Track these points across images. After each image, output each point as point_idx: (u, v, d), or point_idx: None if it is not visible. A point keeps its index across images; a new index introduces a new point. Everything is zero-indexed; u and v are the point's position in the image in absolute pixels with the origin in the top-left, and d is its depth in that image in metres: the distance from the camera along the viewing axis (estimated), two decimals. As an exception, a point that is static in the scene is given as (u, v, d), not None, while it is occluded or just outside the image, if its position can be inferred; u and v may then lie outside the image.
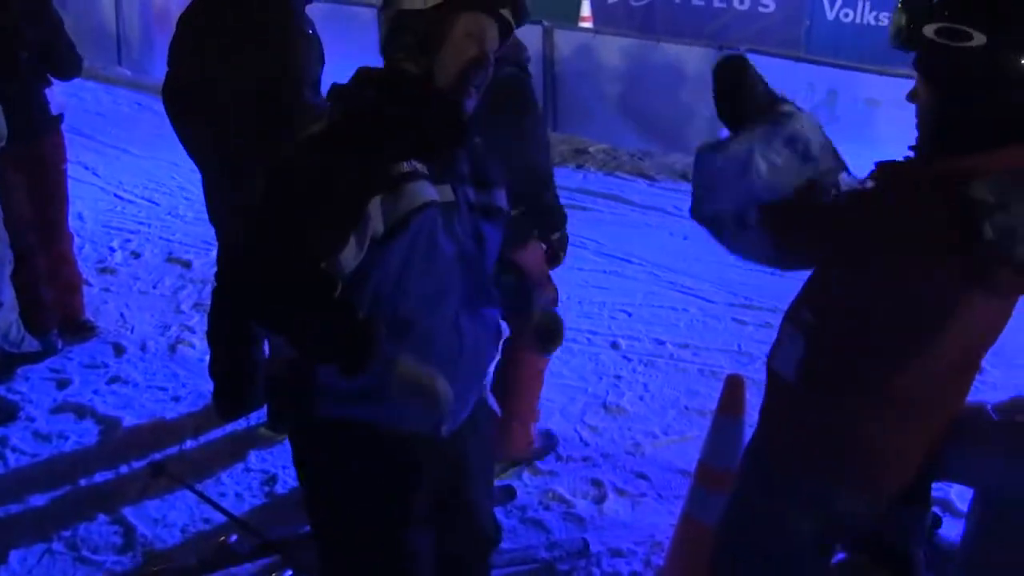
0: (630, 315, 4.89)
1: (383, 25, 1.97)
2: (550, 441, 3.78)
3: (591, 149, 7.22)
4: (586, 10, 9.86)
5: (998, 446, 2.12)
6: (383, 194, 1.86)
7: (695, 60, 7.34)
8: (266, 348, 3.80)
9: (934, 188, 1.74)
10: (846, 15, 9.30)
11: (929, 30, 1.73)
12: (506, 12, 1.96)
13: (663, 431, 3.94)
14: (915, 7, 1.78)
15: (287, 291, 1.84)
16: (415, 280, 1.94)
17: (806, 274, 2.08)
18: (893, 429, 2.01)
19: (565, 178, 6.60)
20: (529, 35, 7.98)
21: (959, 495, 3.20)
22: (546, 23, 7.87)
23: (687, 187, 6.87)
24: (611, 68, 7.62)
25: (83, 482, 3.56)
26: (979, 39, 1.68)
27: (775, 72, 7.12)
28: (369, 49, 7.07)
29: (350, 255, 1.85)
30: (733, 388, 2.96)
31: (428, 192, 1.91)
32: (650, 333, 4.71)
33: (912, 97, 1.89)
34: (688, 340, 4.66)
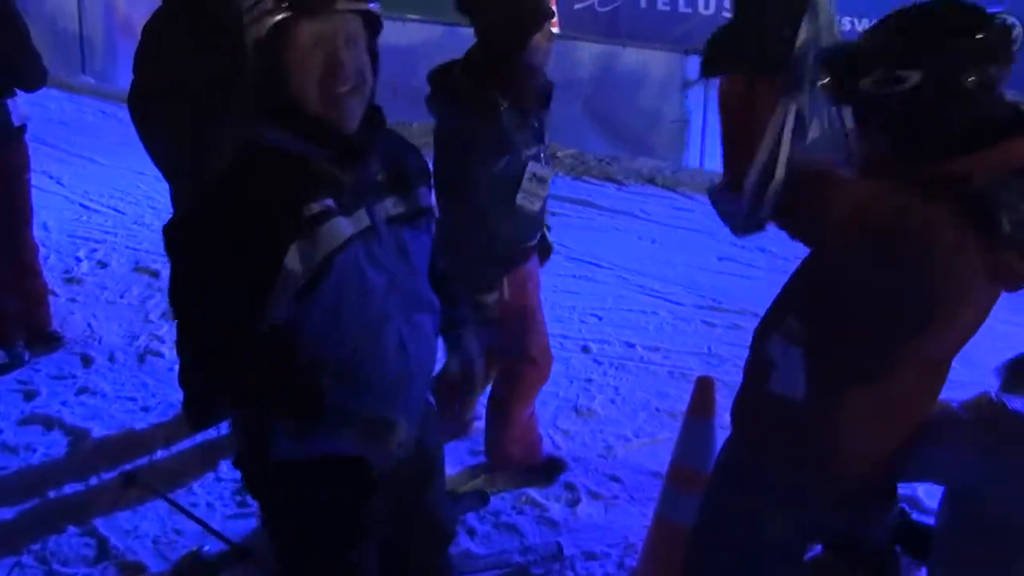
0: (600, 319, 4.92)
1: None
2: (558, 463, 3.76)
3: (559, 154, 7.24)
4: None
5: (969, 444, 2.15)
6: (299, 241, 1.79)
7: (660, 65, 7.39)
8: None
9: (938, 187, 1.78)
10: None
11: (865, 83, 1.80)
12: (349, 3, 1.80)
13: (635, 433, 3.96)
14: (845, 65, 1.85)
15: (222, 361, 1.84)
16: (351, 318, 1.90)
17: (774, 276, 2.11)
18: (872, 428, 2.04)
19: (534, 183, 6.63)
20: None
21: (927, 493, 3.24)
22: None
23: (654, 191, 6.93)
24: (578, 73, 7.65)
25: (52, 494, 3.53)
26: (913, 78, 1.75)
27: (740, 76, 6.98)
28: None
29: (278, 309, 1.82)
30: (703, 390, 2.98)
31: (344, 229, 1.84)
32: (620, 336, 4.73)
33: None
34: (658, 343, 4.68)
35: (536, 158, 3.12)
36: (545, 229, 3.51)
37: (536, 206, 3.17)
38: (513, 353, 3.41)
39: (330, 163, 1.84)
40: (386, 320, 1.96)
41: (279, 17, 1.74)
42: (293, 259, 1.78)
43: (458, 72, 3.06)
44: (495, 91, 2.99)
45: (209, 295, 1.80)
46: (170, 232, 1.86)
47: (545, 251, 3.57)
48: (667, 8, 9.87)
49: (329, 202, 1.83)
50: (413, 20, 8.12)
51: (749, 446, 2.21)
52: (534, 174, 3.11)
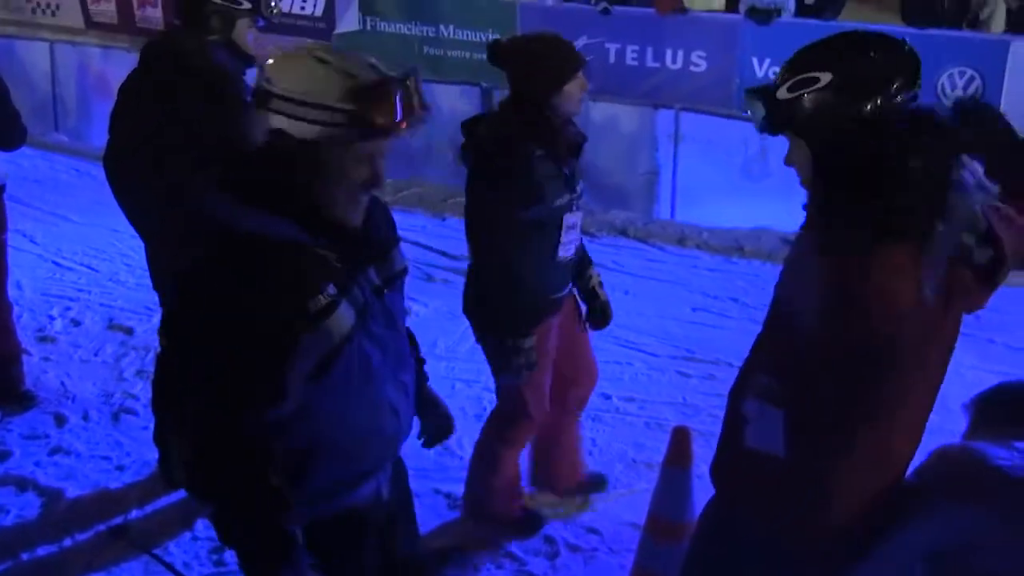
0: (576, 370, 4.94)
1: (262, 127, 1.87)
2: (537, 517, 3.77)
3: (532, 207, 7.32)
4: (523, 71, 10.03)
5: (949, 502, 2.16)
6: (307, 334, 1.82)
7: (630, 118, 7.52)
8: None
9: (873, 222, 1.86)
10: (775, 72, 9.55)
11: (783, 92, 1.92)
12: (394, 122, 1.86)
13: (612, 485, 3.97)
14: (762, 88, 2.00)
15: (224, 455, 1.83)
16: (354, 396, 1.93)
17: (748, 326, 2.14)
18: (852, 483, 2.05)
19: (507, 236, 6.69)
20: (468, 97, 8.13)
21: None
22: (484, 84, 8.00)
23: (627, 243, 7.00)
24: (549, 127, 7.76)
25: (25, 556, 3.49)
26: (825, 77, 1.88)
27: (709, 129, 7.35)
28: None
29: (288, 404, 1.84)
30: (679, 440, 3.01)
31: (348, 317, 1.88)
32: (596, 388, 4.74)
33: (789, 161, 2.03)
34: (633, 393, 4.71)
35: (569, 207, 3.17)
36: (595, 284, 3.54)
37: (569, 253, 3.24)
38: (555, 394, 3.50)
39: (337, 254, 1.88)
40: (381, 388, 2.00)
41: (345, 131, 1.80)
42: (303, 351, 1.82)
43: (491, 121, 3.12)
44: (527, 140, 3.05)
45: (219, 385, 1.80)
46: (176, 322, 1.88)
47: (599, 311, 3.59)
48: (635, 63, 10.05)
49: (332, 290, 1.86)
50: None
51: (729, 503, 2.23)
52: (568, 224, 3.17)
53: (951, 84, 9.14)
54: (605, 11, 9.97)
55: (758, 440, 2.09)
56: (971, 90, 9.05)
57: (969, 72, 9.05)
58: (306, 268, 1.84)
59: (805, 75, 1.92)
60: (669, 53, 9.91)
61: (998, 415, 2.40)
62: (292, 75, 1.83)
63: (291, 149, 1.82)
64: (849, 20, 10.66)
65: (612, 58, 10.18)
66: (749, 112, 2.04)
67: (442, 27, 10.95)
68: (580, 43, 10.17)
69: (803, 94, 1.91)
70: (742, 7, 9.69)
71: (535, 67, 3.06)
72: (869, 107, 1.90)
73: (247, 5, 3.38)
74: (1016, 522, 2.07)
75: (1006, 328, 5.28)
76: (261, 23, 3.46)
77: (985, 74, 8.99)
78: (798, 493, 2.06)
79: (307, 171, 1.84)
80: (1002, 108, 8.91)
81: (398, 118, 1.82)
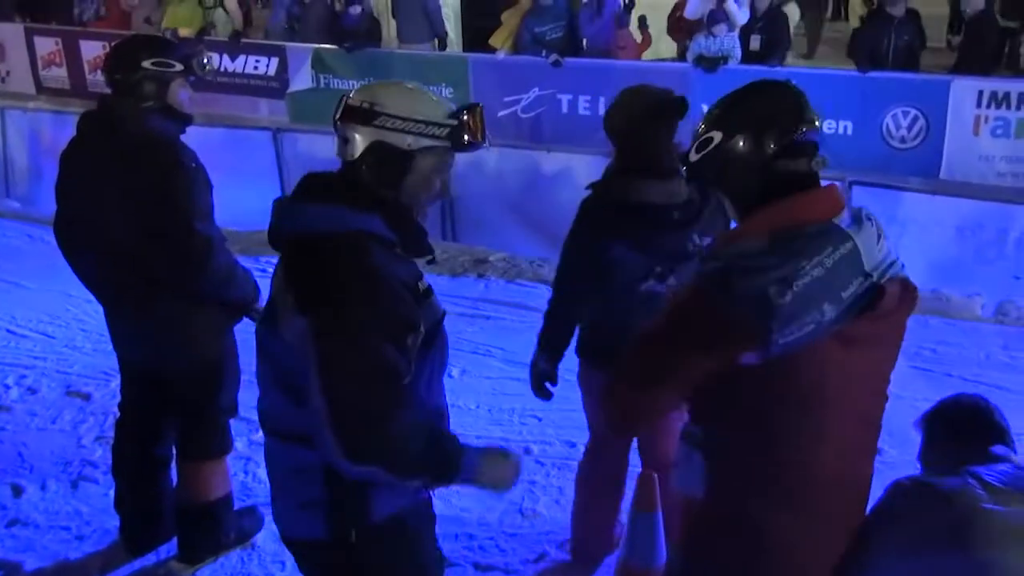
0: (540, 419, 4.93)
1: (353, 141, 2.15)
2: None
3: (491, 258, 7.33)
4: (477, 124, 10.11)
5: (910, 538, 2.19)
6: (422, 308, 2.13)
7: (585, 167, 7.58)
8: (173, 477, 3.73)
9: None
10: (725, 118, 9.74)
11: (692, 155, 2.11)
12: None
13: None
14: (682, 155, 2.22)
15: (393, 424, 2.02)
16: (437, 374, 2.26)
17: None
18: (799, 526, 2.08)
19: (467, 287, 6.68)
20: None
21: None
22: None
23: (587, 290, 6.80)
24: (505, 178, 7.83)
25: (-16, 633, 3.40)
26: (717, 136, 2.06)
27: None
28: (264, 171, 7.06)
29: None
30: (645, 485, 3.02)
31: (439, 303, 2.24)
32: (561, 436, 4.75)
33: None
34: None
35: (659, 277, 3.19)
36: None
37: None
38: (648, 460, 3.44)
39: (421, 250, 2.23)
40: (441, 389, 2.32)
41: (444, 143, 2.17)
42: (421, 323, 2.11)
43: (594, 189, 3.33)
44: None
45: (387, 367, 2.03)
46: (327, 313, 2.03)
47: None
48: (588, 112, 10.20)
49: (427, 279, 2.22)
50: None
51: (682, 551, 2.26)
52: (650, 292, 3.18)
53: (895, 123, 9.36)
54: (556, 63, 10.12)
55: (682, 483, 2.17)
56: (916, 128, 9.28)
57: (913, 111, 9.28)
58: (409, 260, 2.19)
59: (704, 136, 2.09)
60: (620, 102, 10.05)
61: (947, 430, 2.46)
62: (397, 98, 2.16)
63: (392, 157, 2.14)
64: (794, 66, 10.92)
65: (565, 108, 10.33)
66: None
67: (395, 83, 11.04)
68: (532, 95, 10.34)
69: (705, 154, 2.09)
70: (690, 56, 9.88)
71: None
72: (754, 153, 2.03)
73: (178, 67, 3.37)
74: (968, 552, 2.10)
75: (963, 362, 5.35)
76: (193, 80, 3.45)
77: (928, 113, 9.22)
78: (720, 535, 2.12)
79: (402, 176, 2.16)
80: (945, 142, 9.16)
81: (483, 136, 2.20)
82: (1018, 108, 8.93)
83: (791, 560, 2.09)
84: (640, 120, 3.15)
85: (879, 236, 2.04)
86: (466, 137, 2.17)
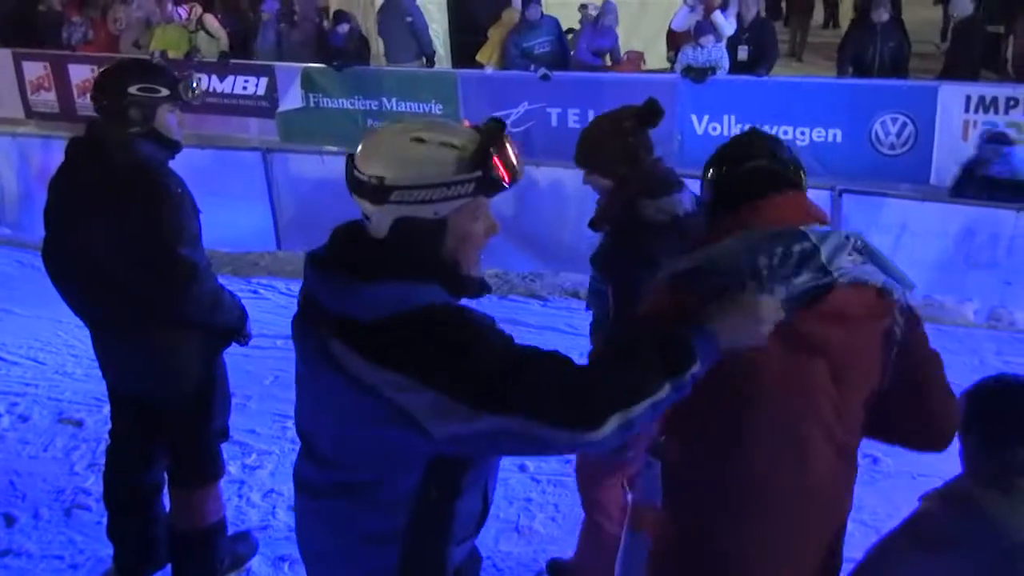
0: (535, 436, 4.91)
1: (374, 218, 1.94)
2: None
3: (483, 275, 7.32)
4: (467, 140, 10.14)
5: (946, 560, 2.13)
6: None
7: (576, 180, 7.53)
8: (166, 503, 3.70)
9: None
10: (714, 128, 9.80)
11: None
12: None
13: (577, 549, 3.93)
14: None
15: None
16: None
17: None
18: (753, 540, 2.08)
19: (460, 304, 6.67)
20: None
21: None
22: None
23: (579, 304, 6.98)
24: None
25: (-23, 666, 3.37)
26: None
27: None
28: (255, 191, 7.06)
29: None
30: (638, 503, 2.99)
31: None
32: (512, 462, 4.70)
33: None
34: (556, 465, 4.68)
35: None
36: None
37: None
38: None
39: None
40: None
41: (475, 195, 1.93)
42: None
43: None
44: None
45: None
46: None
47: None
48: (577, 125, 10.21)
49: None
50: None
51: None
52: None
53: (884, 130, 9.38)
54: (545, 77, 10.15)
55: (641, 493, 2.22)
56: (905, 134, 9.30)
57: (902, 118, 9.31)
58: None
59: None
60: (610, 115, 10.08)
61: (991, 408, 2.29)
62: (403, 164, 1.90)
63: (422, 230, 1.93)
64: (782, 75, 10.96)
65: (554, 122, 10.35)
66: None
67: (384, 100, 11.08)
68: (521, 109, 10.36)
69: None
70: (678, 67, 9.92)
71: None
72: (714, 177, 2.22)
73: (165, 92, 3.35)
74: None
75: (957, 368, 5.17)
76: (180, 104, 3.44)
77: (916, 119, 9.25)
78: (676, 548, 2.15)
79: (440, 243, 1.95)
80: (935, 148, 9.19)
81: (515, 164, 1.96)
82: (1006, 112, 8.96)
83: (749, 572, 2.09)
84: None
85: (853, 251, 2.06)
86: (500, 175, 1.93)
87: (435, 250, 1.95)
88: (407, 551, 2.01)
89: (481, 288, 2.04)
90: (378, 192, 1.89)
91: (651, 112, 3.12)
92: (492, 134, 1.95)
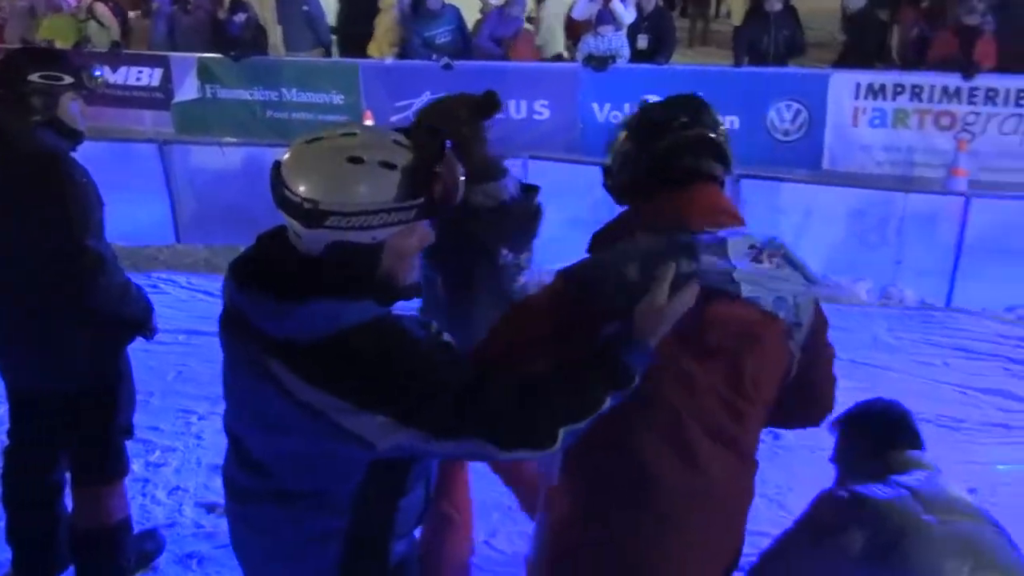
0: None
1: (306, 239, 1.83)
2: None
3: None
4: (370, 131, 10.07)
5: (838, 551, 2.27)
6: None
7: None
8: (68, 504, 3.61)
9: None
10: (615, 116, 9.92)
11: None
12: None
13: (490, 534, 3.96)
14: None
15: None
16: None
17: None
18: (637, 528, 2.11)
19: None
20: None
21: None
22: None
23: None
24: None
25: None
26: (622, 136, 2.18)
27: (555, 175, 7.46)
28: (152, 184, 6.87)
29: None
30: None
31: None
32: None
33: None
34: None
35: None
36: None
37: None
38: None
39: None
40: None
41: (416, 219, 1.84)
42: None
43: None
44: None
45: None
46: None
47: None
48: (501, 115, 10.22)
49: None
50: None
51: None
52: None
53: (779, 117, 9.63)
54: (447, 66, 10.12)
55: (543, 465, 2.24)
56: (799, 121, 9.56)
57: (795, 105, 9.56)
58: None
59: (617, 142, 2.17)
60: (513, 103, 10.14)
61: (866, 435, 2.55)
62: (340, 188, 1.78)
63: (359, 254, 1.82)
64: (680, 63, 11.14)
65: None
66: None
67: (284, 91, 10.92)
68: (424, 99, 10.32)
69: (611, 154, 2.17)
70: (579, 55, 10.01)
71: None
72: (643, 153, 2.13)
73: (68, 79, 3.26)
74: (907, 566, 2.18)
75: (851, 345, 5.53)
76: (85, 94, 3.35)
77: (809, 105, 9.52)
78: (569, 526, 2.19)
79: (376, 265, 1.85)
80: (826, 134, 9.47)
81: (458, 183, 1.87)
82: (894, 99, 9.28)
83: (636, 562, 2.12)
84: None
85: (767, 258, 2.05)
86: (441, 198, 1.84)
87: (371, 270, 1.85)
88: (349, 549, 1.98)
89: (414, 293, 1.98)
90: (312, 216, 1.77)
91: (488, 104, 3.11)
92: (434, 152, 1.85)
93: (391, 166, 1.80)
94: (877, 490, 2.34)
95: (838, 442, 2.68)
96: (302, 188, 1.78)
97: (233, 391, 2.02)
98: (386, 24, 10.63)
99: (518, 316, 2.15)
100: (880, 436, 2.56)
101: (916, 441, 2.56)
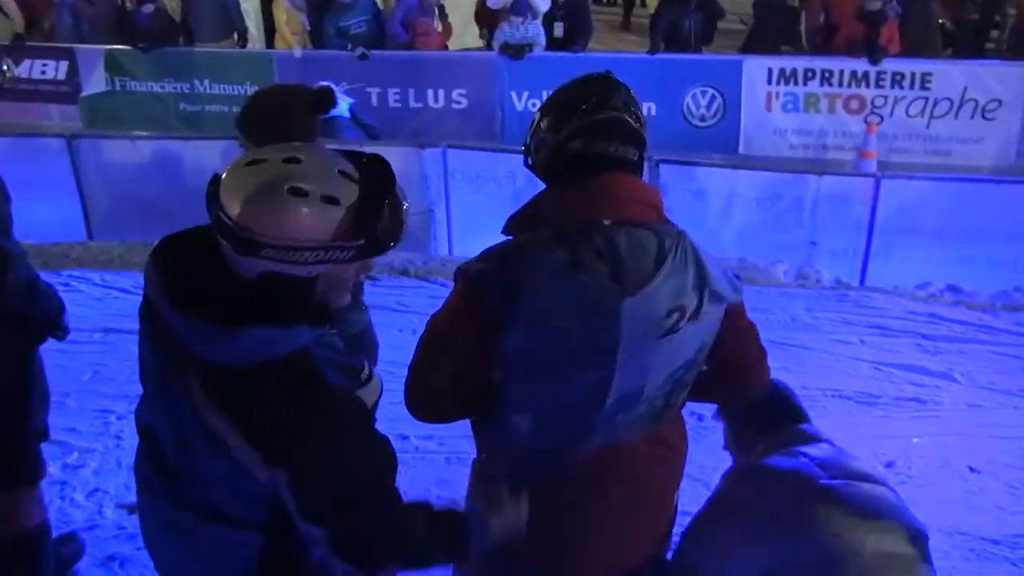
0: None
1: (239, 263, 1.75)
2: None
3: (310, 257, 7.21)
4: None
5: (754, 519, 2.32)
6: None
7: (399, 159, 7.54)
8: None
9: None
10: (533, 105, 9.94)
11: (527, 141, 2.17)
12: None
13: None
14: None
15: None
16: None
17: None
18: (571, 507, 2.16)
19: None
20: (232, 152, 7.93)
21: None
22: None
23: (409, 282, 6.96)
24: (318, 175, 7.68)
25: None
26: (539, 117, 2.14)
27: (476, 164, 7.45)
28: (60, 180, 6.67)
29: None
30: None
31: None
32: (393, 430, 4.53)
33: None
34: (431, 431, 4.68)
35: None
36: None
37: None
38: None
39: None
40: None
41: (353, 258, 1.77)
42: None
43: None
44: None
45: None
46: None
47: None
48: (398, 104, 10.17)
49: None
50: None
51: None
52: None
53: (695, 103, 9.75)
54: (363, 56, 10.02)
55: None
56: (714, 107, 9.70)
57: (711, 91, 9.69)
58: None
59: (533, 122, 2.13)
60: (431, 93, 10.10)
61: (753, 416, 2.60)
62: (278, 223, 1.70)
63: (292, 284, 1.76)
64: (597, 51, 11.21)
65: (375, 101, 10.25)
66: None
67: (197, 83, 10.71)
68: (341, 88, 10.21)
69: (529, 137, 2.13)
70: (495, 44, 9.99)
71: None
72: (562, 134, 2.07)
73: None
74: (812, 529, 2.23)
75: (770, 326, 5.63)
76: None
77: (724, 91, 9.66)
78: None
79: (312, 293, 1.80)
80: (742, 119, 9.63)
81: (403, 222, 1.82)
82: (804, 84, 9.47)
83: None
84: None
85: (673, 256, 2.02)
86: (382, 240, 1.78)
87: (305, 299, 1.79)
88: (267, 552, 1.96)
89: (344, 313, 1.96)
90: (247, 245, 1.70)
91: (322, 100, 3.08)
92: (382, 190, 1.79)
93: (334, 201, 1.72)
94: (779, 460, 2.39)
95: (727, 430, 2.72)
96: (238, 214, 1.70)
97: (153, 393, 1.98)
98: (281, 15, 10.51)
99: (438, 340, 2.12)
100: (771, 417, 2.58)
101: (804, 416, 2.60)
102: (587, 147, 2.04)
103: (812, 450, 2.39)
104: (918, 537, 2.29)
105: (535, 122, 2.13)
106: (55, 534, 3.62)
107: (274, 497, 1.83)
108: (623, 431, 2.12)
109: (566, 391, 2.03)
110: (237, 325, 1.72)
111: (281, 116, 3.02)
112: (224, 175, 1.77)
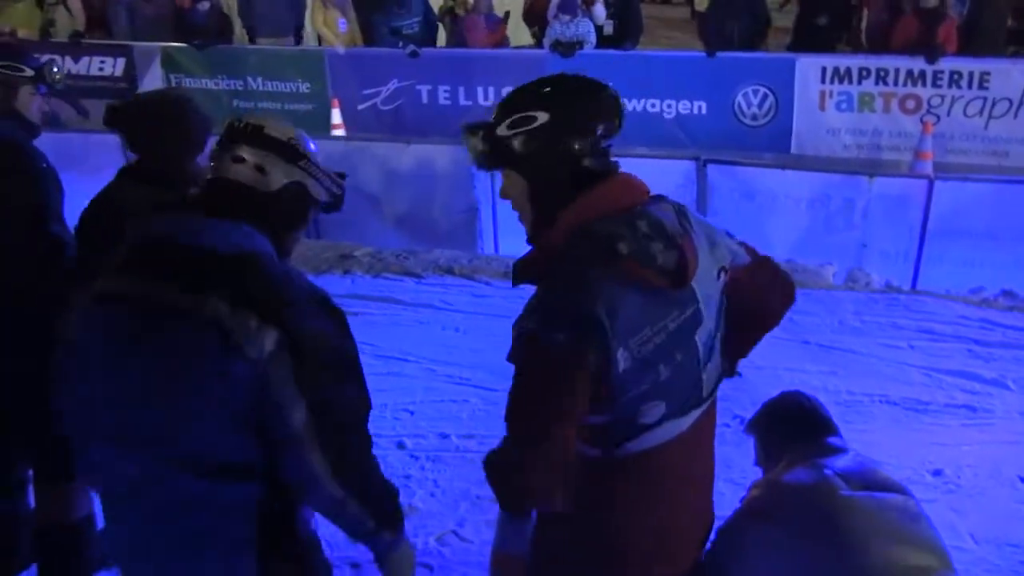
0: (412, 413, 4.91)
1: (270, 174, 2.11)
2: None
3: (356, 253, 7.25)
4: (336, 118, 10.00)
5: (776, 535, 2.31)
6: None
7: (446, 157, 7.57)
8: (31, 499, 3.56)
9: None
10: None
11: (503, 129, 2.05)
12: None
13: (457, 523, 3.96)
14: (482, 124, 2.11)
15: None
16: None
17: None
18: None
19: (333, 284, 6.59)
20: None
21: None
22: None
23: (453, 281, 6.94)
24: (367, 172, 7.74)
25: None
26: (542, 116, 2.02)
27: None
28: (96, 174, 6.77)
29: None
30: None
31: None
32: (434, 428, 4.74)
33: (504, 194, 2.17)
34: (472, 430, 4.72)
35: None
36: None
37: None
38: None
39: None
40: None
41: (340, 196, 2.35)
42: None
43: None
44: None
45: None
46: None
47: None
48: (448, 102, 10.19)
49: None
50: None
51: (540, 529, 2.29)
52: None
53: (747, 101, 9.65)
54: (413, 54, 10.06)
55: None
56: (766, 105, 9.59)
57: (763, 90, 9.58)
58: None
59: (523, 114, 2.03)
60: (480, 91, 10.10)
61: (780, 430, 2.59)
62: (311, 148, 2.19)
63: (304, 203, 2.19)
64: (649, 48, 11.14)
65: (425, 99, 10.29)
66: (467, 148, 2.14)
67: (250, 80, 10.82)
68: (391, 86, 10.27)
69: (522, 131, 2.04)
70: (546, 42, 9.97)
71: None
72: (578, 145, 2.04)
73: (29, 72, 3.23)
74: (835, 540, 2.20)
75: (818, 329, 5.57)
76: (44, 91, 3.32)
77: (776, 90, 9.54)
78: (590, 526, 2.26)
79: (303, 222, 2.21)
80: (793, 118, 9.51)
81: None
82: (859, 82, 9.32)
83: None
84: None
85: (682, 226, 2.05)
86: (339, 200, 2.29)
87: (294, 224, 2.21)
88: (263, 521, 2.03)
89: None
90: (292, 152, 2.11)
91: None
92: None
93: None
94: (801, 473, 2.38)
95: (757, 444, 2.71)
96: (282, 131, 2.12)
97: (110, 382, 2.03)
98: (319, 15, 10.55)
99: (545, 394, 2.11)
100: (798, 430, 2.57)
101: (833, 429, 2.58)
102: (598, 162, 2.07)
103: (838, 463, 2.37)
104: (938, 549, 2.26)
105: (531, 121, 2.05)
106: (100, 526, 3.68)
107: (260, 396, 1.94)
108: (707, 388, 2.13)
109: (672, 345, 2.03)
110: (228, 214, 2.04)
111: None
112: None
